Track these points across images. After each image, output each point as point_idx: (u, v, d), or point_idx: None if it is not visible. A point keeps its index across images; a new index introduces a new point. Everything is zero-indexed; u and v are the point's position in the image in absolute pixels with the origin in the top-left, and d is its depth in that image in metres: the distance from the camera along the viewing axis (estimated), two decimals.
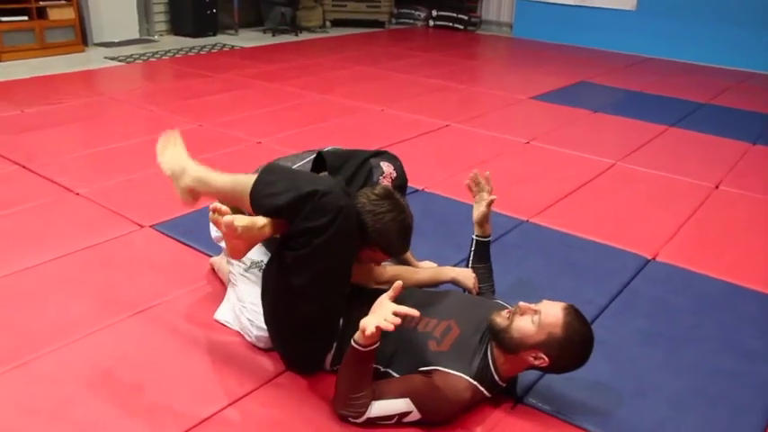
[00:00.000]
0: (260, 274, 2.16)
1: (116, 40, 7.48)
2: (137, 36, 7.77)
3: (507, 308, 1.91)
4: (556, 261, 2.78)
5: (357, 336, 1.71)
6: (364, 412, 1.77)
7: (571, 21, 8.31)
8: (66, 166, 3.66)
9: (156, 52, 7.09)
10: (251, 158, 3.65)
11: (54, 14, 6.69)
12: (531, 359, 1.78)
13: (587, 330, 1.79)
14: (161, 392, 1.94)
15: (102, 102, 5.08)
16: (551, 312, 1.77)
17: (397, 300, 1.71)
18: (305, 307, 1.88)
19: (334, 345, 1.97)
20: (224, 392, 1.95)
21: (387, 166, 2.19)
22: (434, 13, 9.25)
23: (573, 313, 1.78)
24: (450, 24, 9.13)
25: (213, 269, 2.59)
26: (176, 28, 8.15)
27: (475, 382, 1.80)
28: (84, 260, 2.69)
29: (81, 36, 7.00)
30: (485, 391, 1.82)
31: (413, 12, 9.57)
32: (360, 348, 1.71)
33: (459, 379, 1.78)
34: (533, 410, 1.92)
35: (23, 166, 3.64)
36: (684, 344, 2.26)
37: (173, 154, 2.09)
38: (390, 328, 1.61)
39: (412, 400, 1.76)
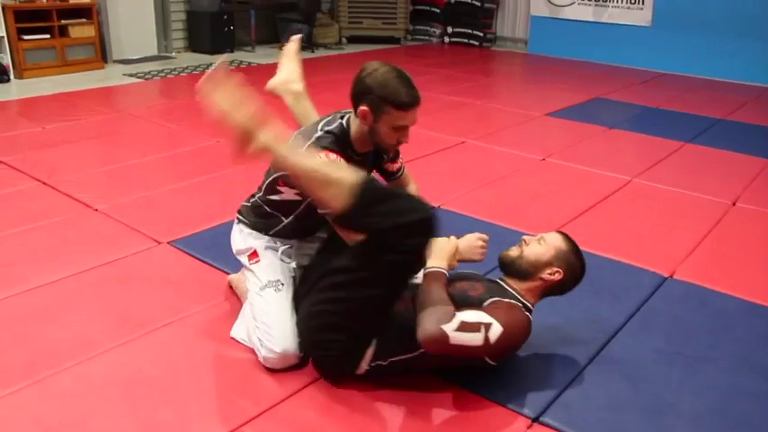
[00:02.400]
0: (276, 294, 2.17)
1: (135, 57, 7.58)
2: (155, 53, 7.88)
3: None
4: None
5: (436, 262, 1.98)
6: (453, 315, 1.81)
7: (586, 37, 8.31)
8: (85, 183, 3.71)
9: (174, 69, 7.17)
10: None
11: (75, 32, 6.79)
12: (548, 276, 2.05)
13: (577, 245, 2.16)
14: (176, 410, 1.95)
15: (120, 118, 5.14)
16: (552, 235, 2.15)
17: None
18: (374, 291, 1.93)
19: (375, 340, 1.98)
20: (239, 411, 1.95)
21: None
22: (450, 29, 9.29)
23: (566, 234, 2.18)
24: (466, 41, 9.16)
25: (231, 286, 2.61)
26: (194, 45, 8.24)
27: (519, 304, 2.02)
28: (102, 276, 2.71)
29: (101, 53, 7.09)
30: (527, 314, 2.02)
31: (428, 28, 9.62)
32: (440, 270, 1.97)
33: (511, 302, 2.00)
34: (550, 430, 1.90)
35: (43, 183, 3.69)
36: (703, 363, 2.24)
37: (239, 105, 1.83)
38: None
39: (490, 314, 1.87)
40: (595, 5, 8.23)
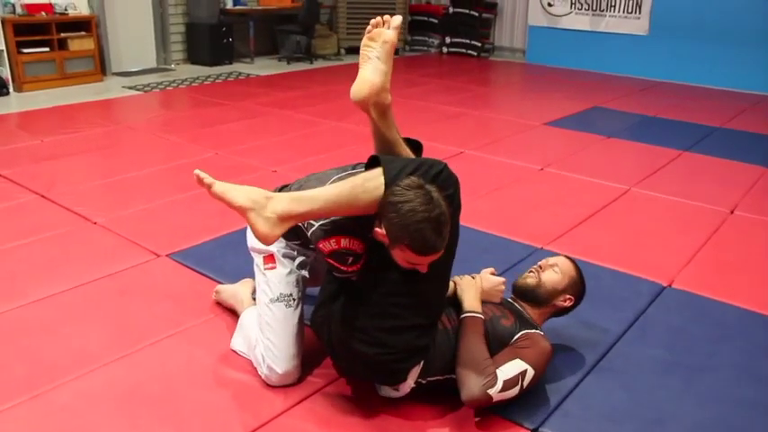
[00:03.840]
0: (285, 310, 2.11)
1: (134, 70, 7.61)
2: (154, 65, 7.91)
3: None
4: None
5: (473, 305, 2.03)
6: (496, 378, 1.86)
7: (584, 46, 8.36)
8: (84, 196, 3.71)
9: (173, 81, 7.19)
10: (267, 187, 3.67)
11: (74, 45, 6.82)
12: (561, 303, 2.17)
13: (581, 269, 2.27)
14: (176, 425, 1.95)
15: (119, 131, 5.16)
16: (562, 261, 2.23)
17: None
18: (430, 285, 1.91)
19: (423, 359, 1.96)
20: (239, 425, 1.95)
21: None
22: (448, 39, 9.32)
23: (572, 259, 2.28)
24: (464, 51, 9.20)
25: (217, 300, 2.59)
26: (193, 57, 8.27)
27: (542, 333, 2.08)
28: (102, 290, 2.72)
29: (100, 66, 7.12)
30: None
31: (426, 39, 9.66)
32: (478, 315, 2.00)
33: (537, 334, 2.05)
34: None
35: (42, 196, 3.70)
36: (703, 372, 2.24)
37: (235, 185, 1.87)
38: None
39: (522, 359, 1.93)
40: (592, 15, 8.27)
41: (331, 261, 1.92)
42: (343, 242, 1.90)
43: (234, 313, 2.49)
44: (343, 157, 4.49)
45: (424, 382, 1.99)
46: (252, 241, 2.23)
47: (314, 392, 2.09)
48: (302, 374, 2.14)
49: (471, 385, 1.86)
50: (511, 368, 1.90)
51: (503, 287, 2.18)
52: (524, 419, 1.95)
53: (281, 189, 2.23)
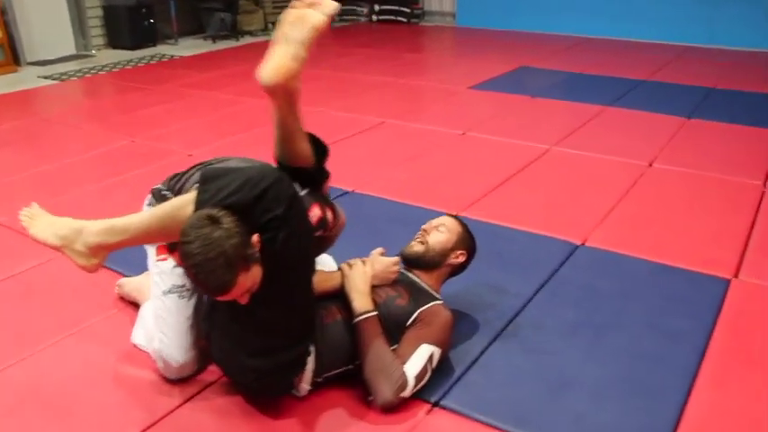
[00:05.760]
0: (179, 301, 2.02)
1: (51, 58, 7.30)
2: (73, 52, 7.60)
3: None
4: (482, 253, 2.67)
5: (363, 304, 1.92)
6: (406, 377, 1.83)
7: (513, 6, 8.31)
8: None
9: (93, 67, 6.93)
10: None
11: None
12: (453, 260, 2.13)
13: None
14: (69, 426, 1.87)
15: (32, 124, 4.94)
16: (447, 220, 2.21)
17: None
18: (270, 311, 1.76)
19: (313, 349, 1.88)
20: (132, 422, 1.88)
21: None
22: (377, 7, 9.19)
23: (456, 216, 2.29)
24: (394, 18, 9.08)
25: (120, 294, 2.51)
26: (114, 41, 7.98)
27: (440, 302, 2.04)
28: (3, 292, 2.60)
29: (12, 55, 6.81)
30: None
31: (355, 8, 9.51)
32: (371, 315, 1.90)
33: (435, 306, 2.00)
34: (450, 413, 1.88)
35: None
36: (609, 330, 2.24)
37: (50, 222, 1.91)
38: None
39: (426, 342, 1.89)
40: None
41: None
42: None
43: (137, 307, 2.41)
44: (261, 137, 4.38)
45: (320, 380, 1.92)
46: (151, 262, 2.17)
47: (212, 383, 2.03)
48: (201, 366, 2.07)
49: (384, 391, 1.82)
50: (418, 359, 1.86)
51: (396, 268, 2.10)
52: (424, 393, 1.91)
53: (173, 178, 2.14)
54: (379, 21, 9.23)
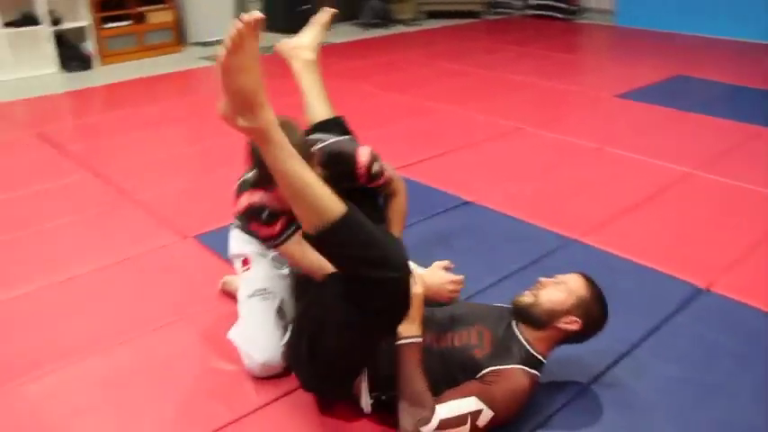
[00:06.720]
0: (262, 303, 2.15)
1: (212, 39, 7.72)
2: None
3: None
4: None
5: (407, 330, 1.84)
6: (432, 414, 1.71)
7: (679, 4, 7.71)
8: (132, 172, 3.82)
9: None
10: None
11: (153, 18, 7.00)
12: (564, 325, 1.87)
13: (602, 293, 1.95)
14: (156, 412, 1.99)
15: (188, 104, 5.26)
16: (573, 279, 1.93)
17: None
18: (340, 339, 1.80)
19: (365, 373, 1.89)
20: (211, 417, 1.96)
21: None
22: (532, 1, 8.90)
23: (590, 278, 1.96)
24: (549, 13, 8.76)
25: (224, 289, 2.61)
26: (271, 24, 8.29)
27: (524, 367, 1.83)
28: (122, 272, 2.80)
29: (178, 37, 7.28)
30: (535, 372, 1.85)
31: (510, 1, 9.28)
32: (414, 341, 1.83)
33: (511, 370, 1.81)
34: None
35: (95, 172, 3.83)
36: (717, 395, 2.03)
37: (254, 71, 1.55)
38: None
39: (479, 398, 1.74)
40: None
41: (252, 225, 2.03)
42: (254, 196, 1.98)
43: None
44: (391, 134, 4.39)
45: (384, 397, 1.88)
46: (232, 249, 2.33)
47: (295, 389, 2.06)
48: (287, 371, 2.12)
49: (404, 420, 1.75)
50: (458, 406, 1.73)
51: (452, 287, 2.02)
52: None
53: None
54: (533, 15, 8.95)
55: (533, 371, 1.84)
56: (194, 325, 2.42)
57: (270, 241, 2.02)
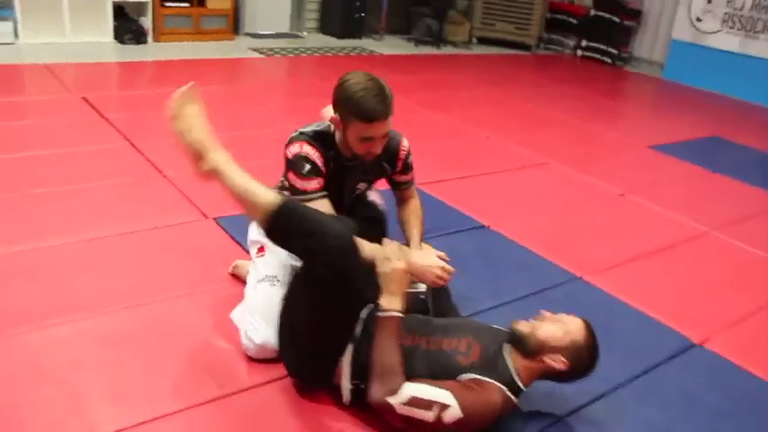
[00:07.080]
0: (269, 289, 2.22)
1: (265, 32, 7.89)
2: (286, 30, 8.17)
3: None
4: None
5: (390, 301, 1.93)
6: (401, 388, 1.79)
7: (729, 68, 7.73)
8: (166, 148, 3.93)
9: (298, 48, 7.41)
10: None
11: (212, 3, 7.17)
12: (551, 361, 1.90)
13: (597, 343, 1.99)
14: (148, 379, 2.08)
15: (228, 91, 5.41)
16: (574, 321, 1.98)
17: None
18: (315, 309, 1.96)
19: (351, 348, 1.97)
20: (202, 391, 2.04)
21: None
22: (584, 42, 8.96)
23: (590, 326, 1.99)
24: (598, 57, 8.80)
25: (233, 273, 2.69)
26: (324, 27, 8.47)
27: (504, 388, 1.87)
28: (141, 241, 2.90)
29: (233, 25, 7.46)
30: (512, 396, 1.89)
31: (562, 39, 9.34)
32: (394, 315, 1.92)
33: (491, 384, 1.86)
34: None
35: (132, 143, 3.97)
36: None
37: (197, 127, 1.99)
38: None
39: (454, 394, 1.79)
40: (744, 36, 7.64)
41: (290, 173, 2.18)
42: (306, 147, 2.17)
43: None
44: (420, 151, 4.44)
45: (363, 386, 1.94)
46: (251, 235, 2.42)
47: (283, 377, 2.13)
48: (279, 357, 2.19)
49: (374, 389, 1.83)
50: (430, 391, 1.78)
51: (439, 272, 2.10)
52: None
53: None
54: (582, 56, 9.00)
55: (509, 393, 1.88)
56: (200, 301, 2.51)
57: (299, 195, 2.15)
